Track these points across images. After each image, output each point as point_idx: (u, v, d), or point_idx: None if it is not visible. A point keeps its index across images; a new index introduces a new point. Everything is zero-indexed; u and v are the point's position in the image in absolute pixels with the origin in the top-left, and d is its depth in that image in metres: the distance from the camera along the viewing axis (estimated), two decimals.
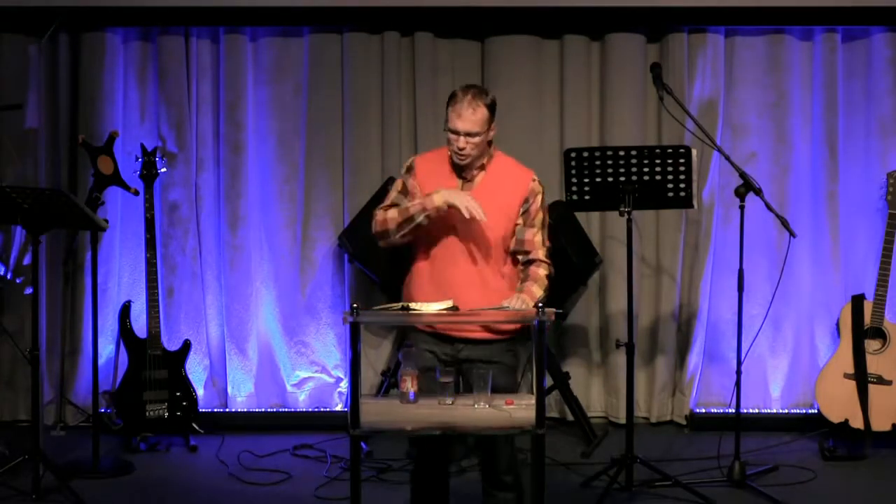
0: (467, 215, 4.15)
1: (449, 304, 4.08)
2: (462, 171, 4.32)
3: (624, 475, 5.19)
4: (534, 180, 4.35)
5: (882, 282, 5.90)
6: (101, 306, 5.88)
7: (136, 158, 5.96)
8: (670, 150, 5.14)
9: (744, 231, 5.35)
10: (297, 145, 6.40)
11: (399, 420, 4.01)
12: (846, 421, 5.90)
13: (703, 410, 6.37)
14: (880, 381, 5.91)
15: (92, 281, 5.60)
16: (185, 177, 6.35)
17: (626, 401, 5.29)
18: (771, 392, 6.41)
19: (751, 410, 6.30)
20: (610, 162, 5.12)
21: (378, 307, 4.36)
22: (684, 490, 5.16)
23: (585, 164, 5.15)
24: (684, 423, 6.37)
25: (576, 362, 6.44)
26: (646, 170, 5.11)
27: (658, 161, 5.12)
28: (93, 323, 5.62)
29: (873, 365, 5.92)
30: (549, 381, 5.95)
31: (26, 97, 6.21)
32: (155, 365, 5.91)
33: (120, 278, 6.34)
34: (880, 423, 5.89)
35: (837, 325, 6.01)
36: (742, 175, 5.30)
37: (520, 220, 4.32)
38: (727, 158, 5.38)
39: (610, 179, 5.13)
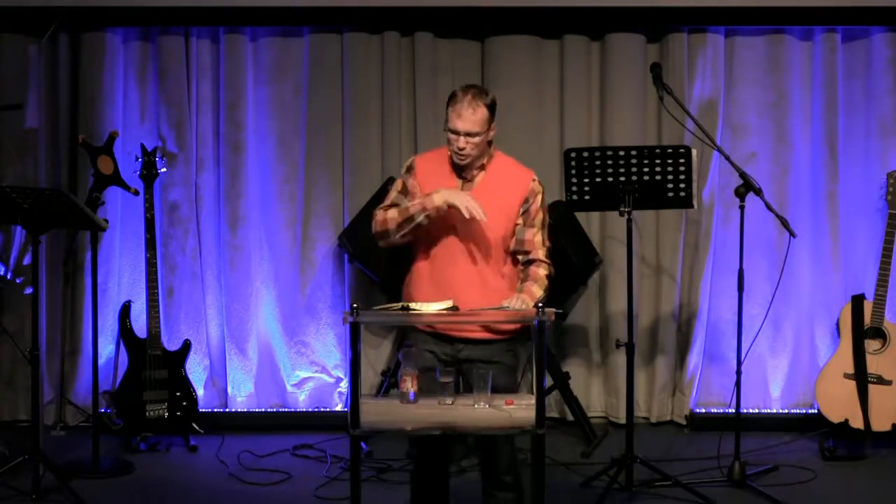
0: (467, 215, 4.15)
1: (449, 303, 4.08)
2: (462, 171, 4.32)
3: (624, 475, 5.19)
4: (534, 180, 4.35)
5: (882, 282, 5.90)
6: (101, 306, 5.88)
7: (136, 158, 5.96)
8: (670, 150, 5.14)
9: (744, 231, 5.35)
10: (297, 145, 6.40)
11: (399, 420, 4.01)
12: (846, 421, 5.90)
13: (703, 410, 6.37)
14: (880, 381, 5.91)
15: (92, 281, 5.60)
16: (185, 177, 6.35)
17: (626, 401, 5.29)
18: (771, 392, 6.41)
19: (751, 410, 6.30)
20: (610, 162, 5.12)
21: (378, 307, 4.36)
22: (684, 490, 5.16)
23: (585, 164, 5.15)
24: (684, 423, 6.37)
25: (576, 362, 6.44)
26: (646, 170, 5.11)
27: (658, 161, 5.12)
28: (93, 323, 5.62)
29: (873, 365, 5.92)
30: (549, 381, 5.95)
31: (26, 97, 6.21)
32: (155, 365, 5.91)
33: (120, 278, 6.34)
34: (880, 423, 5.89)
35: (837, 325, 6.01)
36: (742, 175, 5.30)
37: (520, 220, 4.32)
38: (727, 158, 5.39)
39: (610, 179, 5.13)
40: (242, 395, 6.41)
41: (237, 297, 6.38)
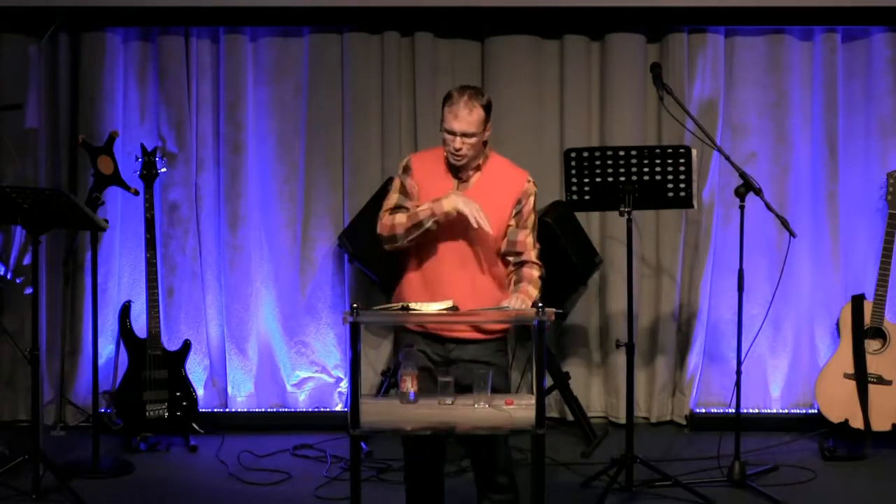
0: (475, 225, 4.15)
1: (449, 304, 4.08)
2: (458, 171, 4.32)
3: (624, 475, 5.19)
4: (528, 181, 4.36)
5: (882, 282, 5.90)
6: (101, 306, 5.88)
7: (136, 158, 5.96)
8: (670, 150, 5.14)
9: (744, 231, 5.35)
10: (297, 145, 6.40)
11: (399, 420, 4.01)
12: (846, 421, 5.90)
13: (703, 410, 6.37)
14: (880, 381, 5.91)
15: (92, 281, 5.60)
16: (185, 177, 6.35)
17: (626, 401, 5.29)
18: (771, 392, 6.41)
19: (751, 410, 6.30)
20: (610, 162, 5.12)
21: (378, 307, 4.36)
22: (684, 490, 5.16)
23: (585, 164, 5.15)
24: (684, 423, 6.37)
25: (576, 362, 6.44)
26: (646, 170, 5.11)
27: (658, 161, 5.12)
28: (93, 323, 5.62)
29: (873, 365, 5.92)
30: (549, 381, 5.95)
31: (26, 97, 6.21)
32: (155, 365, 5.91)
33: (120, 278, 6.34)
34: (880, 423, 5.89)
35: (837, 325, 6.01)
36: (742, 175, 5.30)
37: (512, 222, 4.32)
38: (727, 158, 5.38)
39: (610, 179, 5.13)
40: (242, 395, 6.41)
41: (237, 297, 6.38)
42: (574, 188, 5.19)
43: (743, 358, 5.41)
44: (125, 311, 5.94)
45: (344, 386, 6.41)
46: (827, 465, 5.70)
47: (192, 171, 6.35)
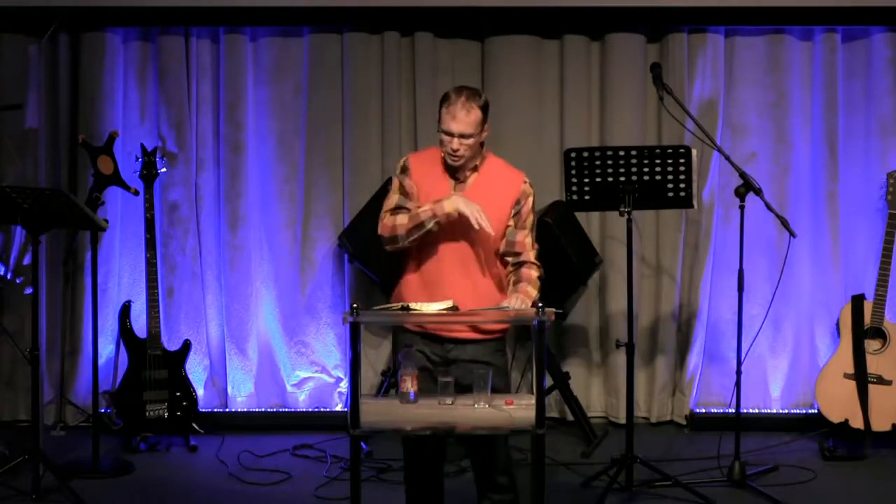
0: (476, 226, 4.16)
1: (449, 303, 4.08)
2: (455, 172, 4.32)
3: (624, 475, 5.19)
4: (525, 182, 4.36)
5: (882, 282, 5.90)
6: (101, 306, 5.88)
7: (136, 158, 5.96)
8: (670, 150, 5.14)
9: (744, 231, 5.35)
10: (297, 145, 6.40)
11: (399, 420, 4.01)
12: (846, 421, 5.90)
13: (703, 410, 6.37)
14: (880, 381, 5.91)
15: (92, 281, 5.60)
16: (185, 177, 6.35)
17: (626, 401, 5.29)
18: (771, 392, 6.41)
19: (751, 410, 6.30)
20: (610, 162, 5.12)
21: (378, 307, 4.36)
22: (684, 490, 5.16)
23: (585, 164, 5.14)
24: (684, 423, 6.37)
25: (576, 362, 6.44)
26: (646, 170, 5.11)
27: (658, 161, 5.12)
28: (93, 323, 5.62)
29: (873, 365, 5.92)
30: (549, 381, 5.95)
31: (26, 97, 6.21)
32: (155, 365, 5.91)
33: (120, 278, 6.34)
34: (880, 423, 5.89)
35: (837, 325, 6.01)
36: (742, 175, 5.30)
37: (511, 222, 4.32)
38: (727, 158, 5.39)
39: (610, 179, 5.13)
40: (242, 395, 6.41)
41: (237, 297, 6.38)
42: (574, 188, 5.19)
43: (743, 358, 5.41)
44: (125, 311, 5.94)
45: (344, 386, 6.41)
46: (827, 465, 5.70)
47: (192, 171, 6.35)
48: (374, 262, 5.95)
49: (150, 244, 5.89)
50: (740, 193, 5.28)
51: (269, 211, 6.42)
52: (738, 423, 5.38)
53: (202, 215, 6.37)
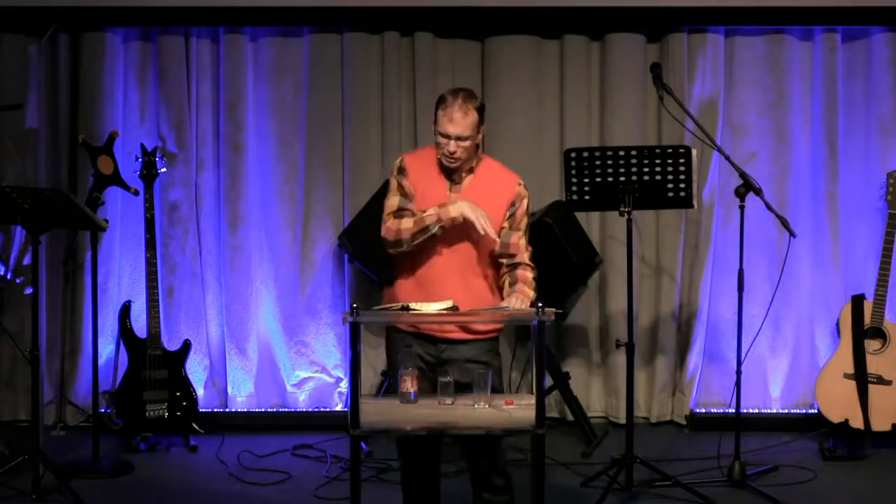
0: (482, 232, 4.16)
1: (449, 303, 4.08)
2: (451, 173, 4.32)
3: (624, 475, 5.19)
4: (520, 184, 4.37)
5: (882, 282, 5.90)
6: (101, 306, 5.88)
7: (136, 158, 5.96)
8: (670, 150, 5.14)
9: (744, 231, 5.35)
10: (297, 145, 6.40)
11: (399, 420, 4.01)
12: (846, 421, 5.90)
13: (703, 410, 6.37)
14: (880, 381, 5.91)
15: (92, 281, 5.60)
16: (185, 177, 6.35)
17: (626, 401, 5.28)
18: (771, 392, 6.41)
19: (751, 410, 6.30)
20: (610, 162, 5.12)
21: (378, 307, 4.36)
22: (684, 490, 5.16)
23: (585, 164, 5.14)
24: (684, 423, 6.37)
25: (576, 362, 6.44)
26: (646, 170, 5.11)
27: (658, 161, 5.11)
28: (93, 323, 5.62)
29: (873, 365, 5.92)
30: (549, 381, 5.95)
31: (26, 97, 6.21)
32: (155, 365, 5.91)
33: (120, 278, 6.34)
34: (880, 423, 5.89)
35: (837, 325, 6.01)
36: (742, 175, 5.30)
37: (505, 224, 4.33)
38: (727, 158, 5.39)
39: (610, 179, 5.13)
40: (242, 395, 6.41)
41: (237, 297, 6.38)
42: (574, 188, 5.19)
43: (743, 358, 5.41)
44: (125, 311, 5.94)
45: (344, 386, 6.41)
46: (827, 465, 5.70)
47: (192, 171, 6.35)
48: (374, 262, 5.95)
49: (150, 244, 5.89)
50: (740, 193, 5.28)
51: (269, 211, 6.42)
52: (738, 423, 5.38)
53: (202, 215, 6.37)
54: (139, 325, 5.96)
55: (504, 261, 4.34)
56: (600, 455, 5.74)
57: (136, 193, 5.94)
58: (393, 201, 4.34)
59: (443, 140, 4.23)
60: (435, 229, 4.22)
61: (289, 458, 5.81)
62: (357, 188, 6.30)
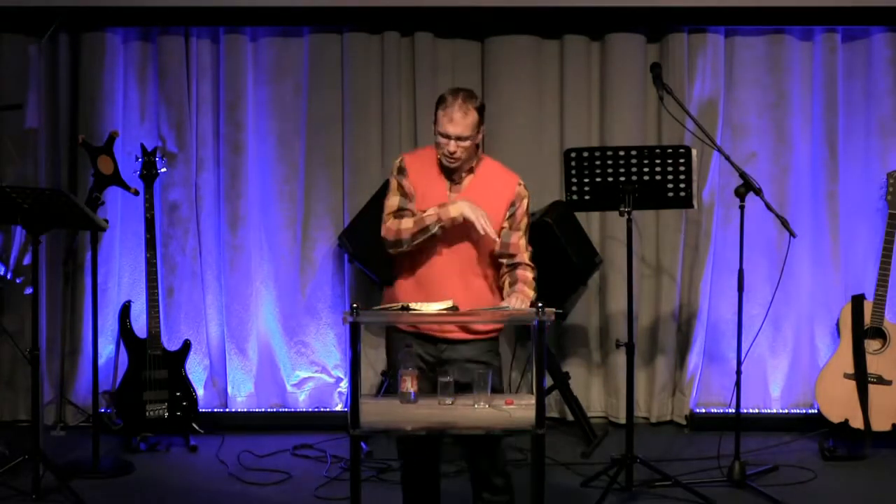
0: (482, 232, 4.16)
1: (449, 303, 4.08)
2: (451, 173, 4.32)
3: (624, 475, 5.19)
4: (520, 184, 4.37)
5: (882, 282, 5.90)
6: (101, 306, 5.88)
7: (136, 158, 5.96)
8: (670, 150, 5.14)
9: (744, 231, 5.35)
10: (297, 145, 6.40)
11: (399, 420, 4.01)
12: (846, 421, 5.90)
13: (703, 410, 6.37)
14: (880, 381, 5.91)
15: (92, 281, 5.60)
16: (185, 177, 6.35)
17: (626, 401, 5.28)
18: (771, 392, 6.41)
19: (751, 410, 6.30)
20: (610, 162, 5.12)
21: (378, 307, 4.36)
22: (684, 490, 5.16)
23: (585, 164, 5.14)
24: (684, 423, 6.37)
25: (576, 362, 6.44)
26: (646, 170, 5.11)
27: (658, 161, 5.11)
28: (93, 323, 5.62)
29: (873, 365, 5.92)
30: (549, 381, 5.95)
31: (26, 97, 6.21)
32: (155, 365, 5.91)
33: (120, 278, 6.34)
34: (880, 423, 5.89)
35: (837, 325, 6.01)
36: (742, 175, 5.30)
37: (505, 224, 4.33)
38: (727, 158, 5.39)
39: (610, 179, 5.13)
40: (242, 395, 6.41)
41: (237, 297, 6.38)
42: (574, 188, 5.19)
43: (743, 358, 5.41)
44: (125, 311, 5.94)
45: (344, 386, 6.41)
46: (827, 465, 5.70)
47: (192, 171, 6.35)
48: (374, 262, 5.95)
49: (150, 244, 5.89)
50: (740, 193, 5.29)
51: (269, 211, 6.42)
52: (738, 423, 5.38)
53: (202, 215, 6.37)
54: (139, 325, 5.96)
55: (504, 261, 4.34)
56: (600, 455, 5.74)
57: (136, 193, 5.94)
58: (393, 201, 4.34)
59: (443, 140, 4.23)
60: (435, 229, 4.22)
61: (289, 458, 5.81)
62: (357, 188, 6.30)
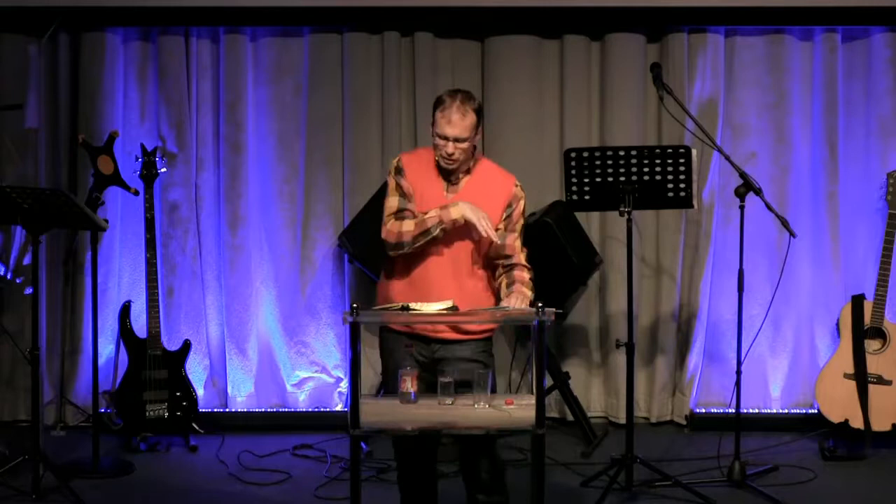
0: (484, 234, 4.16)
1: (449, 303, 4.08)
2: (448, 174, 4.32)
3: (624, 475, 5.19)
4: (516, 185, 4.37)
5: (882, 282, 5.90)
6: (101, 306, 5.88)
7: (136, 158, 5.96)
8: (670, 150, 5.14)
9: (744, 231, 5.35)
10: (297, 145, 6.40)
11: (399, 420, 4.01)
12: (846, 421, 5.90)
13: (703, 410, 6.37)
14: (880, 381, 5.91)
15: (92, 281, 5.60)
16: (185, 177, 6.35)
17: (626, 401, 5.28)
18: (771, 392, 6.41)
19: (751, 410, 6.30)
20: (610, 162, 5.12)
21: (378, 307, 4.37)
22: (684, 490, 5.16)
23: (585, 164, 5.14)
24: (684, 423, 6.37)
25: (576, 362, 6.44)
26: (646, 170, 5.11)
27: (658, 161, 5.12)
28: (93, 323, 5.62)
29: (873, 365, 5.92)
30: (549, 381, 5.95)
31: (26, 97, 6.21)
32: (155, 365, 5.91)
33: (120, 278, 6.34)
34: (880, 423, 5.89)
35: (837, 325, 6.01)
36: (742, 175, 5.30)
37: (501, 225, 4.33)
38: (727, 158, 5.39)
39: (610, 179, 5.13)
40: (242, 395, 6.41)
41: (237, 297, 6.38)
42: (574, 188, 5.19)
43: (743, 358, 5.41)
44: (125, 311, 5.94)
45: (344, 386, 6.41)
46: (827, 465, 5.70)
47: (192, 171, 6.35)
48: (374, 262, 5.93)
49: (150, 244, 5.89)
50: (740, 193, 5.29)
51: (269, 211, 6.42)
52: (738, 423, 5.38)
53: (202, 215, 6.37)
54: (139, 325, 5.96)
55: (500, 262, 4.34)
56: (600, 455, 5.74)
57: (136, 193, 5.94)
58: (392, 202, 4.34)
59: (440, 142, 4.23)
60: (436, 231, 4.22)
61: (289, 458, 5.81)
62: (357, 188, 6.30)
